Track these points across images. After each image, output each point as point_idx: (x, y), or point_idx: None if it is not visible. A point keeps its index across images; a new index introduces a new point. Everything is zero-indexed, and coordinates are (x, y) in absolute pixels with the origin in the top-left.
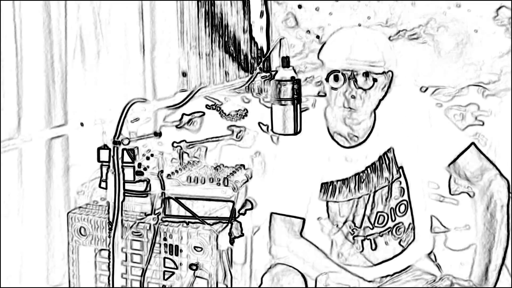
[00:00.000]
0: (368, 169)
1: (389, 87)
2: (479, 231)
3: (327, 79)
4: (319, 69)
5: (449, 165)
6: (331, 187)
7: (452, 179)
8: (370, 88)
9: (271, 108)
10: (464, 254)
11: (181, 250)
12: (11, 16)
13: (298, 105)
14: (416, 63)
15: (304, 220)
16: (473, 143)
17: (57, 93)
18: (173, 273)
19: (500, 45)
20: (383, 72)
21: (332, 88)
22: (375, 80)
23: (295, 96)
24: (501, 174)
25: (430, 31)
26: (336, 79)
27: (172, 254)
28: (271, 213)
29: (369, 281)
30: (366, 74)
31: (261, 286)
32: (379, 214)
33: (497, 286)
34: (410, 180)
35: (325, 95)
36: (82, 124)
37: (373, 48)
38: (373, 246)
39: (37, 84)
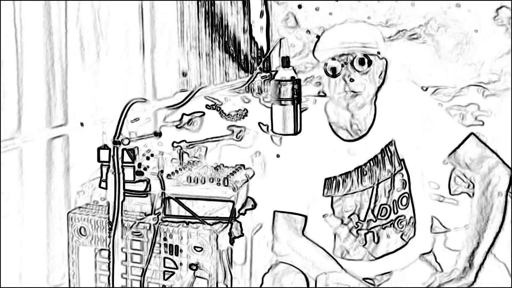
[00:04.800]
0: (371, 162)
1: (385, 75)
2: (472, 214)
3: (325, 70)
4: (316, 68)
5: (449, 155)
6: (334, 182)
7: (452, 179)
8: (367, 72)
9: (271, 108)
10: None
11: (181, 250)
12: (11, 16)
13: (298, 105)
14: (416, 63)
15: (306, 217)
16: (472, 133)
17: (57, 93)
18: (173, 273)
19: (500, 45)
20: (378, 54)
21: (331, 75)
22: (370, 62)
23: (295, 96)
24: (504, 163)
25: (430, 31)
26: (334, 72)
27: (172, 254)
28: (274, 211)
29: (369, 279)
30: (362, 60)
31: (262, 286)
32: (382, 206)
33: (490, 282)
34: (410, 173)
35: (325, 95)
36: (82, 124)
37: (365, 31)
38: (376, 239)
39: (37, 84)
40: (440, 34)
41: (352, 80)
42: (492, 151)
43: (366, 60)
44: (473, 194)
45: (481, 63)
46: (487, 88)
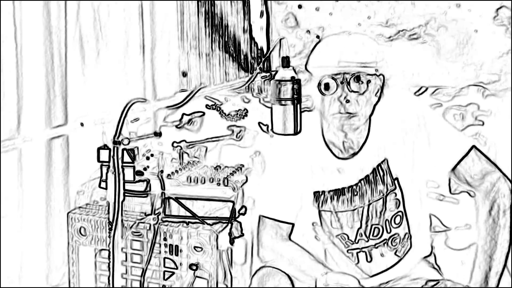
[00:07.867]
0: (362, 181)
1: (381, 91)
2: (480, 236)
3: (319, 87)
4: (308, 82)
5: (450, 171)
6: (322, 196)
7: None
8: (364, 92)
9: (271, 108)
10: (465, 253)
11: (181, 250)
12: (11, 16)
13: (298, 105)
14: (416, 63)
15: (293, 225)
16: (473, 146)
17: (57, 93)
18: (173, 273)
19: (500, 45)
20: (375, 74)
21: (323, 93)
22: (368, 81)
23: (295, 96)
24: (505, 176)
25: (430, 31)
26: (327, 88)
27: (172, 254)
28: (260, 216)
29: None
30: (358, 78)
31: (262, 287)
32: (373, 226)
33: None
34: (406, 190)
35: (310, 110)
36: (82, 124)
37: (364, 49)
38: (369, 259)
39: (37, 84)
40: (440, 34)
41: (348, 101)
42: (493, 163)
43: (364, 80)
44: (477, 213)
45: (481, 63)
46: (487, 88)
